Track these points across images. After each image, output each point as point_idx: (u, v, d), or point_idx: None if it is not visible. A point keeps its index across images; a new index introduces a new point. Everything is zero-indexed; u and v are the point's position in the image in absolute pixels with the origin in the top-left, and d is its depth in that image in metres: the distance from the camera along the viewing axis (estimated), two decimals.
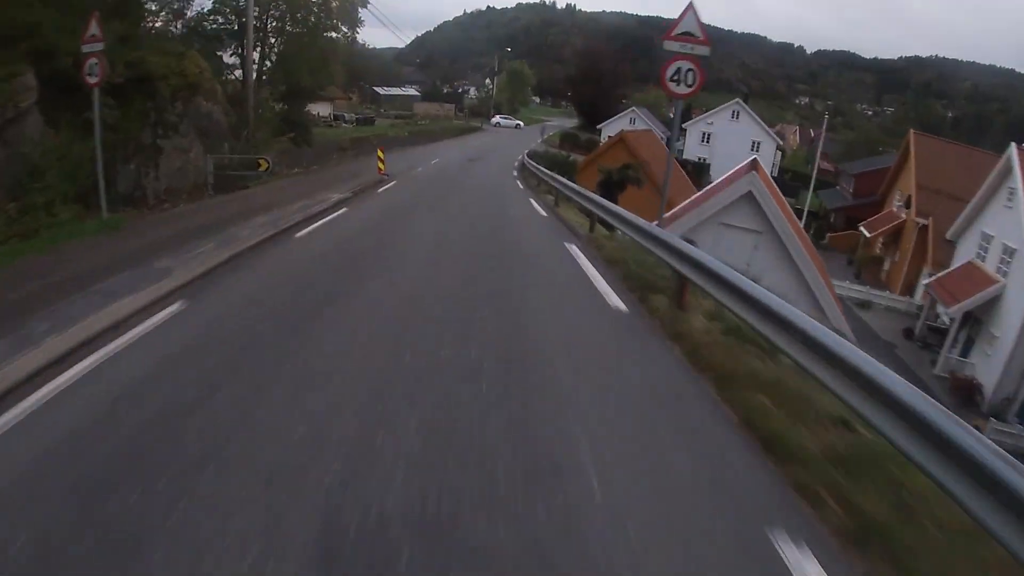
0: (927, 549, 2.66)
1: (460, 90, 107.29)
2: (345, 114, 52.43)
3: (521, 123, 76.85)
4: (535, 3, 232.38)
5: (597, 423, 3.92)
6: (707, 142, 63.45)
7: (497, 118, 76.02)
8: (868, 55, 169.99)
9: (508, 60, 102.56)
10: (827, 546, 2.77)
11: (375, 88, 75.76)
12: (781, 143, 65.09)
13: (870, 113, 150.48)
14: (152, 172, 14.26)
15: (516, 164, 35.70)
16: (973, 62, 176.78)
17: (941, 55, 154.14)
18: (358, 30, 28.61)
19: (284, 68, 25.38)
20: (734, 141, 58.44)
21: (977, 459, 2.23)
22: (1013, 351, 18.68)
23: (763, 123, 63.17)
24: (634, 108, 73.64)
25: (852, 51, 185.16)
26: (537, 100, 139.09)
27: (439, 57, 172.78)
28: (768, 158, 61.58)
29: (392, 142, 36.01)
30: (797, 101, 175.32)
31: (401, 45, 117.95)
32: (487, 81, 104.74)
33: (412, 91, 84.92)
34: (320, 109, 43.23)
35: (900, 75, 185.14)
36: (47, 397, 4.09)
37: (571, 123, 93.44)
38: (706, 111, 66.17)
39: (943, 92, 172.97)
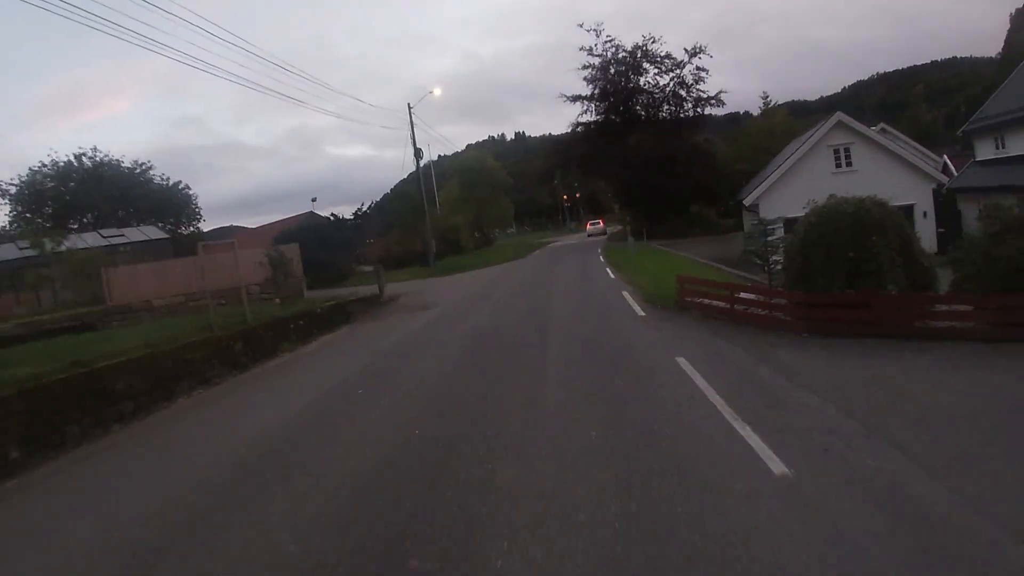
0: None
1: None
2: None
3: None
4: (484, 140, 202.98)
5: None
6: None
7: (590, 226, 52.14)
8: (814, 97, 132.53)
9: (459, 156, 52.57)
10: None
11: None
12: None
13: None
14: None
15: None
16: (913, 65, 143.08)
17: (881, 71, 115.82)
18: None
19: None
20: None
21: None
22: None
23: None
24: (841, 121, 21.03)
25: (798, 99, 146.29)
26: (512, 229, 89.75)
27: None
28: None
29: None
30: None
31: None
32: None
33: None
34: None
35: (852, 103, 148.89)
36: None
37: (599, 230, 44.59)
38: None
39: (903, 103, 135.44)
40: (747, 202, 22.57)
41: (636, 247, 25.64)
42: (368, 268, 37.60)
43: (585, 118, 37.38)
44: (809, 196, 21.97)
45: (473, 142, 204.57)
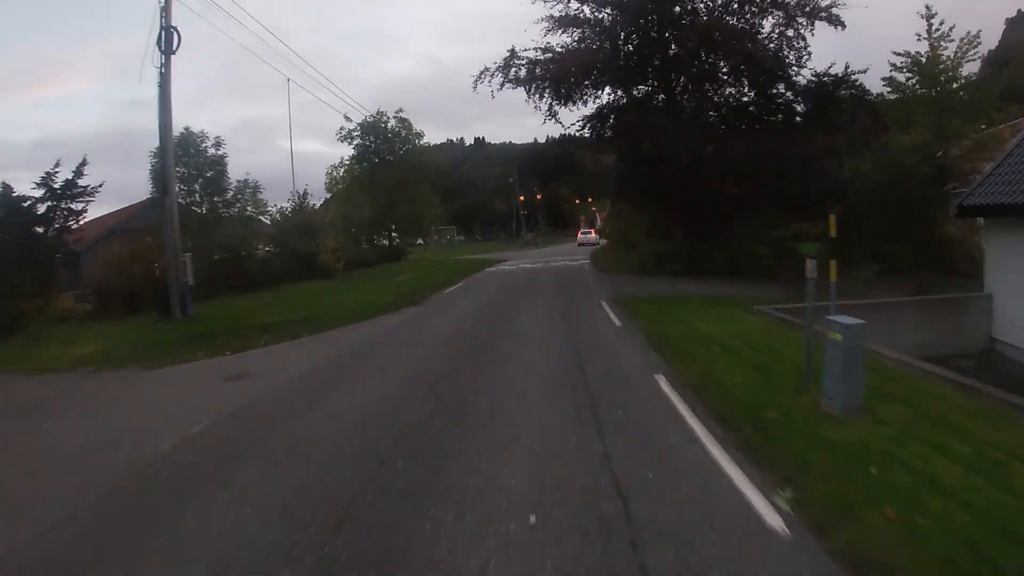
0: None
1: None
2: None
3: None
4: (443, 143, 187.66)
5: None
6: None
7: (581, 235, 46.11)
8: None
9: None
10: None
11: None
12: None
13: None
14: None
15: None
16: None
17: None
18: None
19: None
20: None
21: None
22: None
23: None
24: None
25: None
26: (460, 236, 72.54)
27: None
28: None
29: None
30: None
31: None
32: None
33: None
34: None
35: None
36: None
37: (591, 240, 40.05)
38: None
39: None
40: None
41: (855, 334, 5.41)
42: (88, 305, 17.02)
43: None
44: None
45: (431, 144, 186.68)
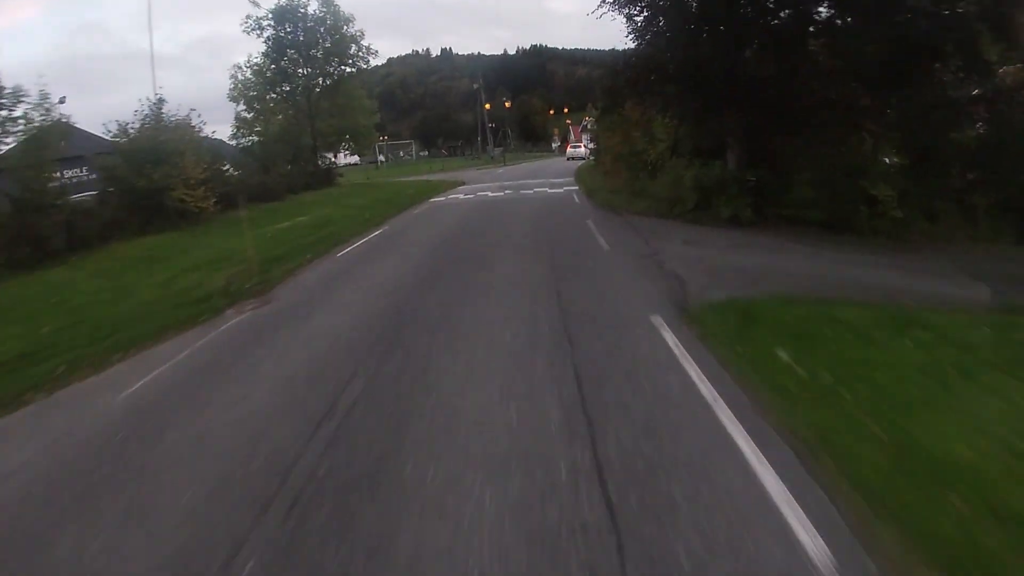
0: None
1: None
2: None
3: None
4: (407, 54, 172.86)
5: None
6: None
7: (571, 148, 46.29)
8: None
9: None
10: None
11: None
12: None
13: None
14: None
15: None
16: None
17: None
18: None
19: None
20: None
21: None
22: None
23: None
24: None
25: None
26: (424, 151, 66.28)
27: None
28: None
29: None
30: None
31: None
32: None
33: None
34: None
35: None
36: None
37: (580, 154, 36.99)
38: None
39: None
40: None
41: None
42: None
43: None
44: None
45: (395, 56, 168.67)
